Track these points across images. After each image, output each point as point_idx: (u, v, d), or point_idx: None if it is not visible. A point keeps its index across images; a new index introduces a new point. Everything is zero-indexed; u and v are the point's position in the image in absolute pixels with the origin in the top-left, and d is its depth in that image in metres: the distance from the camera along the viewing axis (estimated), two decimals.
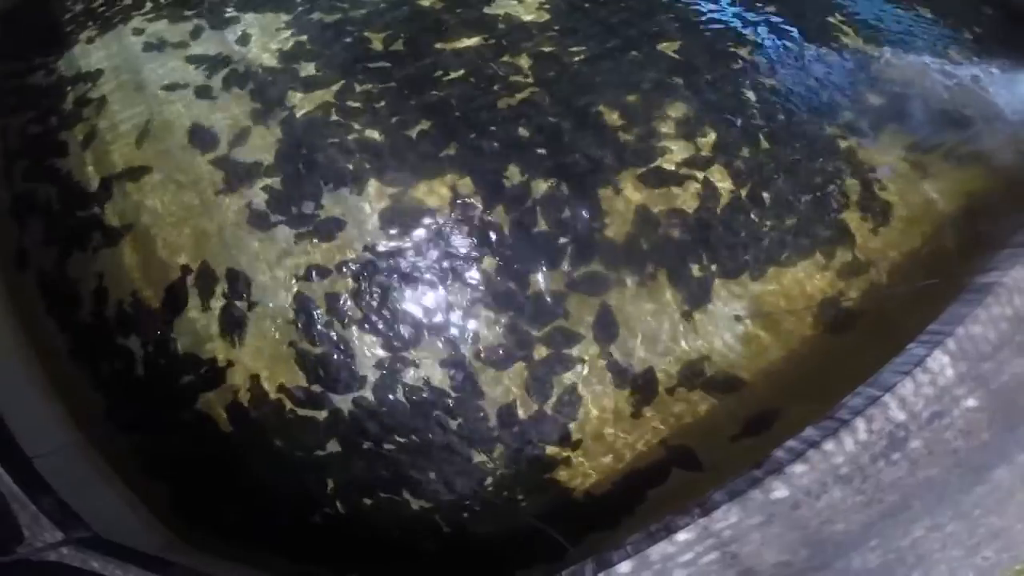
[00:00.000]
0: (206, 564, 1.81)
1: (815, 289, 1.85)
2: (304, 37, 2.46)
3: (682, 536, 1.25)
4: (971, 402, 1.29)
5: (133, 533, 1.85)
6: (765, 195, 1.92)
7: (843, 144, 2.00)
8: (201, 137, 2.22)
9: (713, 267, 1.85)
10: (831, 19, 2.26)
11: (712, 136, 1.99)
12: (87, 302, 2.09)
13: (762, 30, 2.22)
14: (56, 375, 2.08)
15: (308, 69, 2.32)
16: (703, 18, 2.29)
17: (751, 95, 2.07)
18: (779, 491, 1.23)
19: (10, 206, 2.26)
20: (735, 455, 1.71)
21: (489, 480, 1.86)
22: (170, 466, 2.01)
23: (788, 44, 2.19)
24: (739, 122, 2.02)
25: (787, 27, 2.24)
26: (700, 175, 1.93)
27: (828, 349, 1.79)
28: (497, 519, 1.85)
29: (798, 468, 1.24)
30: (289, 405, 1.96)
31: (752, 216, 1.90)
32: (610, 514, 1.80)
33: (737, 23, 2.26)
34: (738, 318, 1.82)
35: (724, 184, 1.93)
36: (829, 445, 1.24)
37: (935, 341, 1.32)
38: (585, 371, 1.82)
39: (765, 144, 1.98)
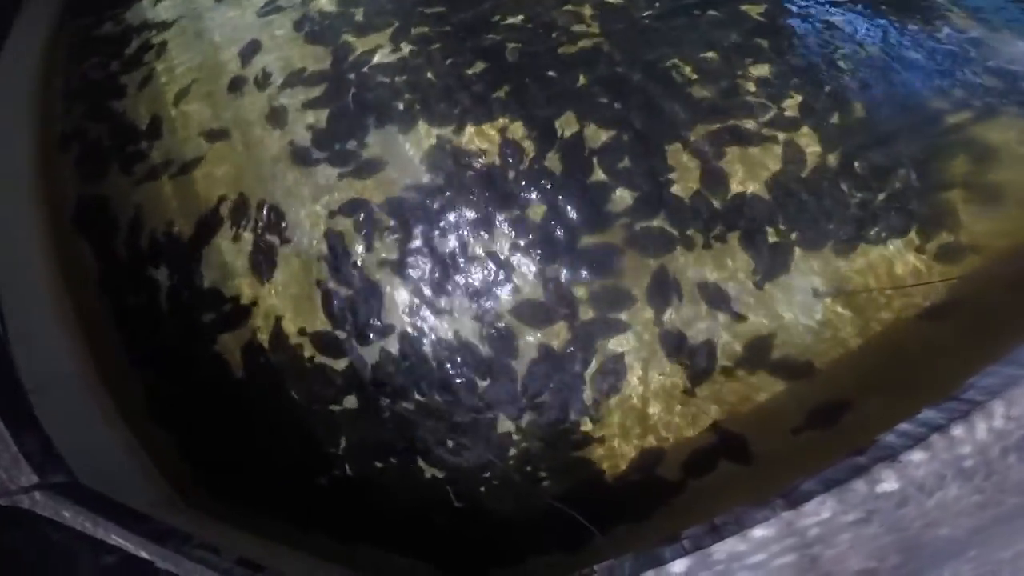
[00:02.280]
0: (197, 524, 1.75)
1: (907, 271, 1.67)
2: None
3: (759, 532, 1.06)
4: None
5: (127, 484, 1.82)
6: (857, 164, 1.78)
7: (951, 119, 1.84)
8: (251, 78, 2.29)
9: (793, 235, 1.71)
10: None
11: (798, 99, 1.87)
12: (123, 231, 2.16)
13: (862, 3, 2.10)
14: (83, 307, 2.13)
15: (363, 14, 2.37)
16: None
17: (845, 64, 1.95)
18: (888, 483, 1.04)
19: (59, 141, 2.38)
20: (793, 450, 1.58)
21: (512, 452, 1.75)
22: (179, 412, 2.00)
23: (891, 16, 2.06)
24: (828, 88, 1.90)
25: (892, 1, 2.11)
26: (783, 136, 1.81)
27: (915, 339, 1.62)
28: (516, 497, 1.75)
29: (916, 456, 1.04)
30: (309, 351, 1.92)
31: (841, 185, 1.75)
32: (643, 504, 1.67)
33: None
34: (816, 293, 1.66)
35: (812, 148, 1.80)
36: (958, 430, 1.04)
37: None
38: (634, 339, 1.70)
39: (860, 112, 1.85)
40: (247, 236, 2.01)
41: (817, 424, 1.58)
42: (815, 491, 1.05)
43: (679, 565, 1.06)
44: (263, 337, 1.94)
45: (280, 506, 1.86)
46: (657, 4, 2.16)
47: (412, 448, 1.81)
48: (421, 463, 1.80)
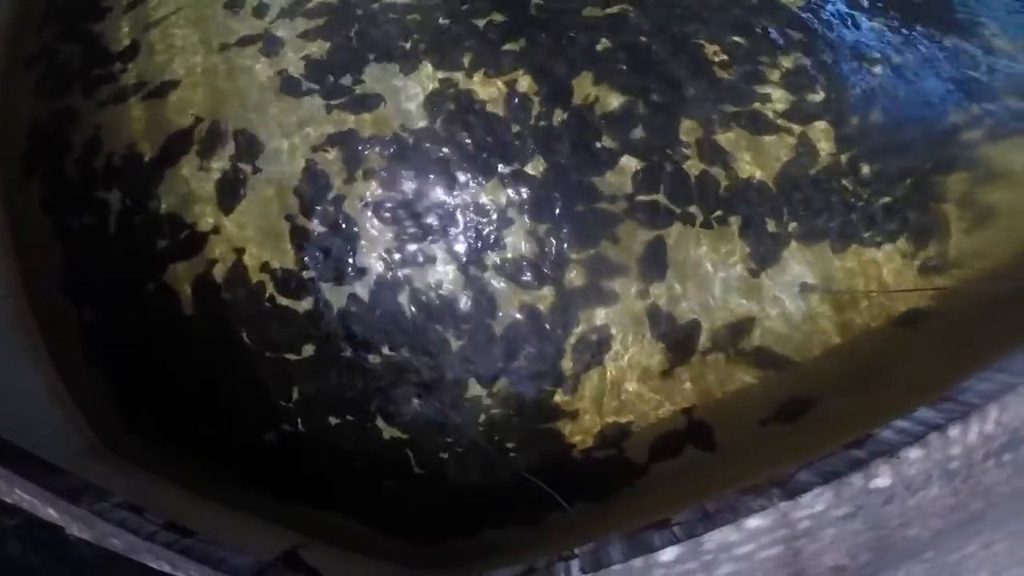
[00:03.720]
0: (124, 476, 1.64)
1: (892, 276, 1.72)
2: None
3: (753, 522, 1.04)
4: None
5: (46, 431, 1.69)
6: (866, 167, 1.80)
7: (963, 135, 1.88)
8: (249, 4, 2.14)
9: (791, 227, 1.72)
10: (981, 19, 2.12)
11: (821, 95, 1.88)
12: (76, 151, 2.00)
13: (900, 13, 2.10)
14: (20, 228, 1.97)
15: None
16: None
17: (873, 68, 1.96)
18: (882, 479, 1.05)
19: (27, 61, 2.19)
20: (757, 441, 1.60)
21: (481, 418, 1.70)
22: (115, 351, 1.86)
23: (928, 30, 2.06)
24: (853, 90, 1.91)
25: (927, 16, 2.12)
26: (798, 129, 1.81)
27: (886, 343, 1.67)
28: (481, 467, 1.70)
29: (913, 453, 1.05)
30: (269, 290, 1.81)
31: (846, 184, 1.77)
32: (606, 483, 1.66)
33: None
34: (804, 288, 1.69)
35: (825, 145, 1.81)
36: (954, 431, 1.06)
37: None
38: (621, 311, 1.67)
39: (879, 117, 1.87)
40: (217, 163, 1.89)
41: (783, 418, 1.61)
42: (813, 483, 1.06)
43: (668, 553, 1.04)
44: (220, 269, 1.83)
45: (220, 459, 1.76)
46: None
47: (373, 405, 1.73)
48: (381, 423, 1.73)
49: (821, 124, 1.82)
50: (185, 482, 1.67)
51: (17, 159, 2.04)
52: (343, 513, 1.72)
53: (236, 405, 1.78)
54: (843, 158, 1.78)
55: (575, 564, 1.03)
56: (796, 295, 1.66)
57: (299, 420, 1.76)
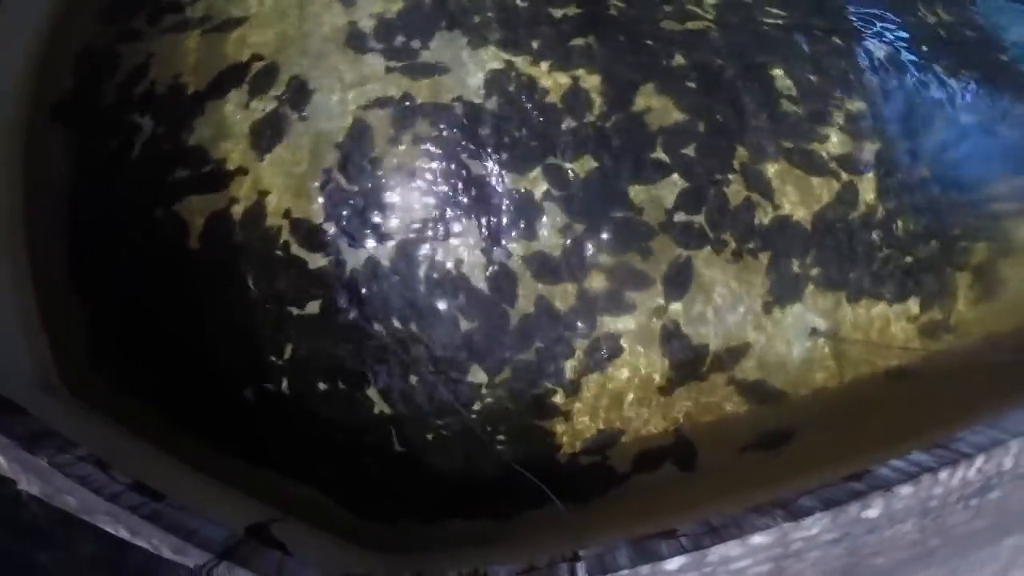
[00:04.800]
0: (81, 421, 1.55)
1: (897, 331, 1.81)
2: None
3: (757, 539, 1.13)
4: None
5: (6, 357, 1.60)
6: (899, 223, 1.85)
7: (998, 206, 1.94)
8: None
9: (815, 271, 1.78)
10: None
11: (877, 145, 1.90)
12: (121, 74, 1.94)
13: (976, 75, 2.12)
14: (34, 138, 1.89)
15: None
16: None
17: (931, 125, 1.99)
18: (873, 511, 1.16)
19: None
20: (732, 466, 1.68)
21: (477, 406, 1.72)
22: (104, 280, 1.80)
23: (997, 98, 2.09)
24: (906, 145, 1.94)
25: (1006, 83, 2.15)
26: (847, 177, 1.85)
27: (873, 392, 1.76)
28: (466, 454, 1.72)
29: (904, 490, 1.17)
30: (285, 237, 1.78)
31: (876, 237, 1.83)
32: (584, 488, 1.71)
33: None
34: (814, 332, 1.76)
35: (867, 195, 1.85)
36: (943, 474, 1.18)
37: None
38: (636, 323, 1.72)
39: (925, 175, 1.91)
40: (262, 104, 1.85)
41: (762, 447, 1.70)
42: (814, 507, 1.15)
43: (675, 562, 1.12)
44: (237, 209, 1.79)
45: (191, 413, 1.71)
46: (784, 14, 2.10)
47: (368, 375, 1.72)
48: (372, 394, 1.72)
49: (869, 174, 1.84)
50: (149, 437, 1.61)
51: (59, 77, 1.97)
52: (311, 484, 1.71)
53: (220, 354, 1.75)
54: (880, 211, 1.82)
55: (581, 566, 1.09)
56: (802, 335, 1.73)
57: (285, 380, 1.73)
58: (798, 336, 1.73)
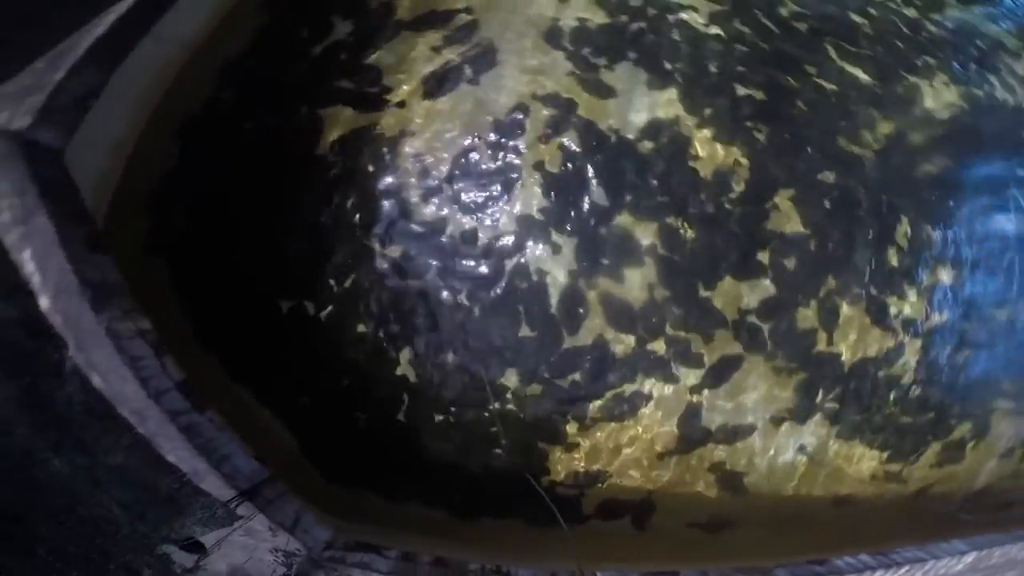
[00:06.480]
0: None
1: (862, 469, 2.09)
2: None
3: None
4: None
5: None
6: (917, 391, 2.08)
7: (999, 403, 2.15)
8: None
9: (830, 404, 2.03)
10: None
11: (943, 319, 2.05)
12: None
13: None
14: None
15: None
16: None
17: (987, 316, 2.09)
18: None
19: None
20: (674, 537, 1.94)
21: (495, 405, 1.84)
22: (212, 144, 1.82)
23: None
24: (967, 326, 2.07)
25: None
26: (903, 338, 2.02)
27: (820, 509, 2.06)
28: (461, 444, 1.86)
29: None
30: (404, 179, 1.85)
31: (892, 396, 2.06)
32: (548, 516, 1.78)
33: None
34: (802, 448, 2.05)
35: (909, 359, 2.04)
36: (877, 573, 1.58)
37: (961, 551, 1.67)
38: (670, 392, 1.94)
39: (961, 360, 2.08)
40: (450, 54, 1.90)
41: (708, 528, 1.96)
42: None
43: None
44: (378, 136, 1.82)
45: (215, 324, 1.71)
46: (944, 181, 2.09)
47: (412, 336, 1.76)
48: (405, 356, 1.76)
49: (919, 342, 2.03)
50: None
51: None
52: (298, 436, 1.77)
53: (284, 262, 1.78)
54: (910, 376, 2.04)
55: None
56: (792, 449, 2.02)
57: (330, 307, 1.76)
58: (788, 449, 2.01)
